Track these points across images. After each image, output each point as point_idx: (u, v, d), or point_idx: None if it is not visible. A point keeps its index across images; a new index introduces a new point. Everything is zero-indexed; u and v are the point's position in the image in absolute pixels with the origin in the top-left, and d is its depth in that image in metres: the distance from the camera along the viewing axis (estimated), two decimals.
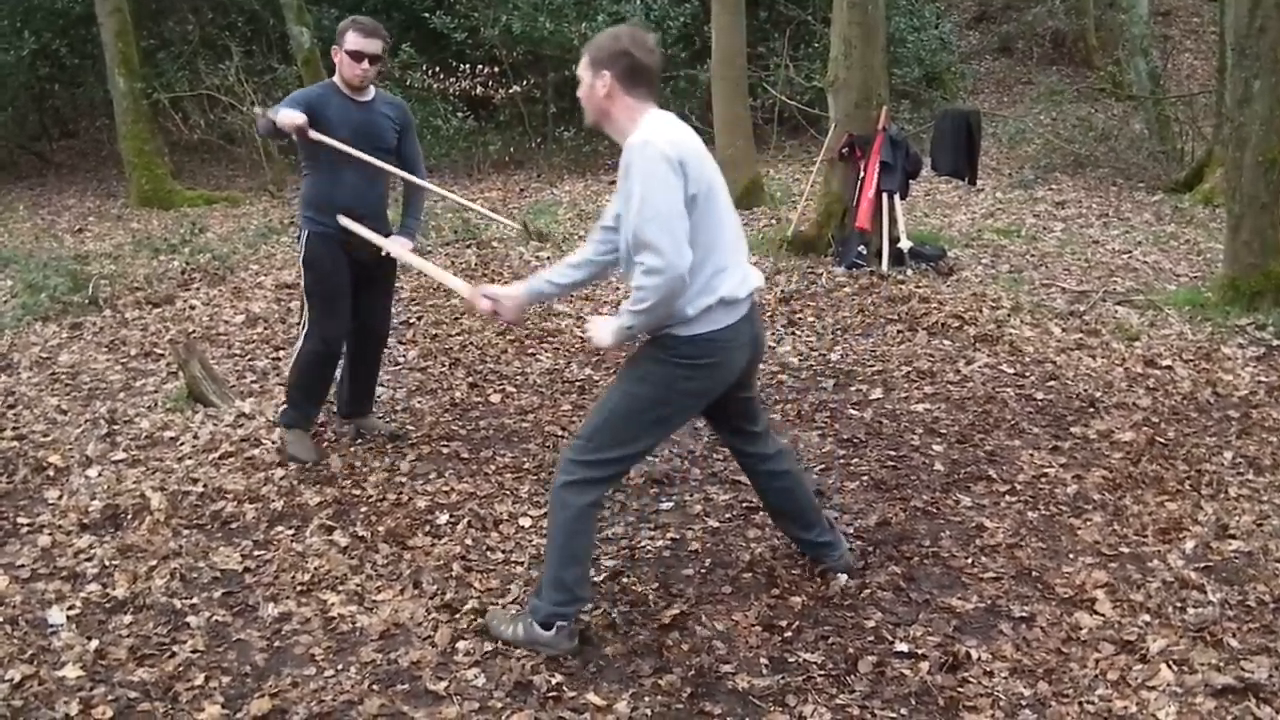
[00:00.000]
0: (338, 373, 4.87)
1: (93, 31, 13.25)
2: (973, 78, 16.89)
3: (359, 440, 4.93)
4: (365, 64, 4.44)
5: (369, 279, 4.68)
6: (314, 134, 4.32)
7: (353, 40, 4.41)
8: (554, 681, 3.15)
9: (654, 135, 3.01)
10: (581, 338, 6.44)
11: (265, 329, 6.74)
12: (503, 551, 3.95)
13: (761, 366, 5.87)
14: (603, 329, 3.18)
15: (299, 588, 3.71)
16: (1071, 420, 5.10)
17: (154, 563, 3.86)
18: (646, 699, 3.07)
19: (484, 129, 13.80)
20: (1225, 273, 6.91)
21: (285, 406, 4.81)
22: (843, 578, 3.68)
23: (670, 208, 2.96)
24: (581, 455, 3.23)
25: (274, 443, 4.84)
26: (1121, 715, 2.96)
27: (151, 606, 3.59)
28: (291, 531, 4.10)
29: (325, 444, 4.87)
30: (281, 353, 6.25)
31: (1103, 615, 3.45)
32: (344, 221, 4.42)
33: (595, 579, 3.73)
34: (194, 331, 6.71)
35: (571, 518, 3.24)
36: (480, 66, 13.04)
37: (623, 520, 4.19)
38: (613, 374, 5.80)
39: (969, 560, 3.83)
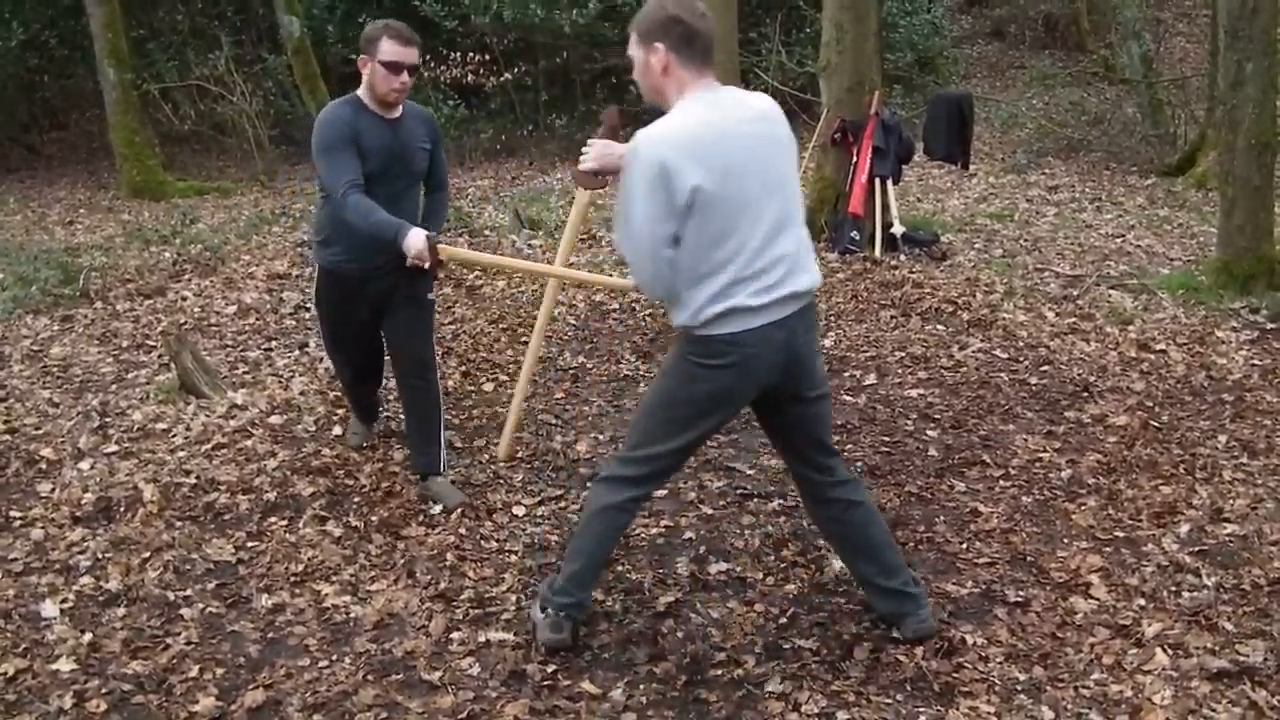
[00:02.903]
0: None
1: (82, 22, 13.14)
2: (965, 62, 16.84)
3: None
4: (404, 76, 3.90)
5: (394, 304, 4.18)
6: (443, 250, 3.75)
7: (389, 49, 3.86)
8: (548, 670, 3.15)
9: (650, 139, 2.78)
10: (574, 324, 6.42)
11: (257, 319, 6.71)
12: (497, 540, 3.95)
13: None
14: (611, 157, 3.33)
15: (292, 578, 3.70)
16: (1065, 404, 5.10)
17: (147, 555, 3.85)
18: (641, 687, 3.07)
19: (475, 117, 13.74)
20: (1218, 256, 6.91)
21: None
22: (837, 563, 3.67)
23: (643, 230, 2.81)
24: (622, 453, 3.22)
25: (267, 433, 4.83)
26: (1117, 699, 2.97)
27: (145, 599, 3.58)
28: (285, 522, 4.09)
29: (323, 441, 4.86)
30: (274, 343, 6.23)
31: (1097, 599, 3.46)
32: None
33: None
34: (185, 323, 6.68)
35: (588, 512, 3.21)
36: (471, 54, 12.97)
37: None
38: (606, 363, 5.79)
39: (963, 545, 3.83)
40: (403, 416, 4.53)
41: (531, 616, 3.33)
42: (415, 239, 3.67)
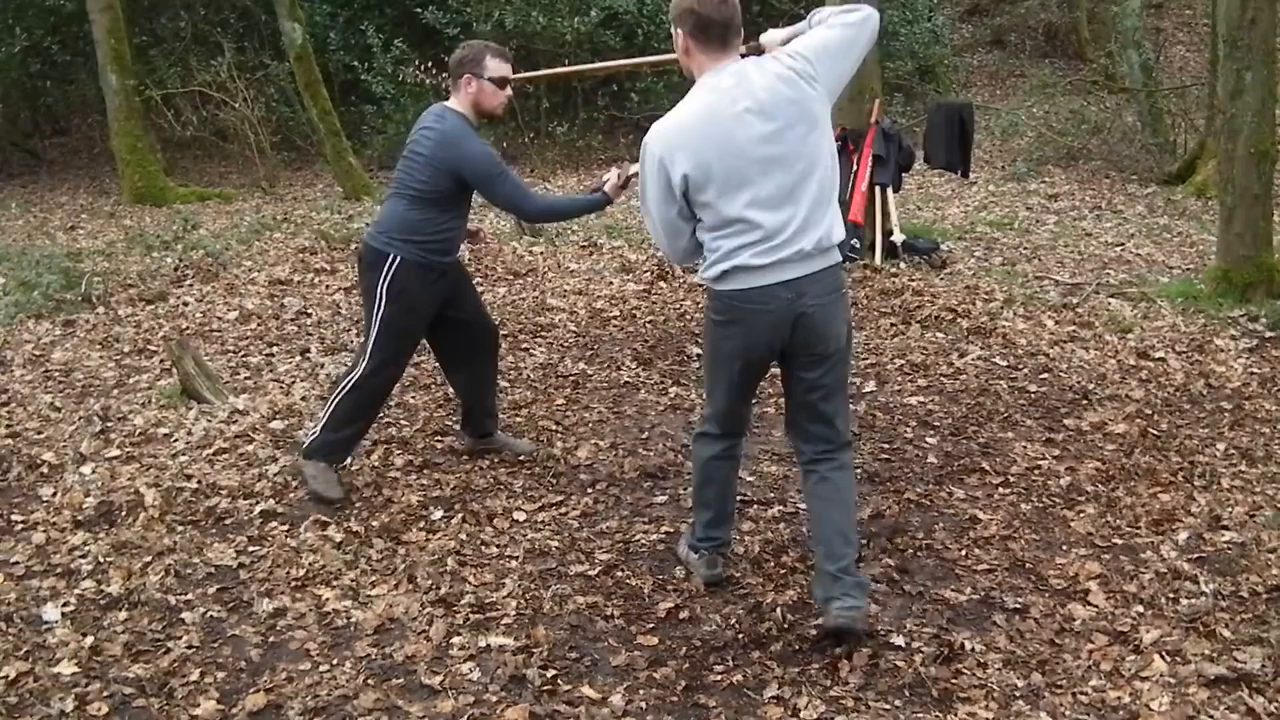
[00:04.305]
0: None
1: (84, 28, 13.19)
2: (965, 71, 16.90)
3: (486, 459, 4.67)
4: (509, 89, 4.24)
5: (461, 287, 4.48)
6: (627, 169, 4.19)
7: (497, 67, 4.14)
8: (548, 675, 3.16)
9: (653, 132, 3.10)
10: (575, 331, 6.43)
11: (259, 325, 6.73)
12: (497, 546, 3.96)
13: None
14: None
15: (293, 583, 3.71)
16: (1065, 412, 5.11)
17: (148, 559, 3.85)
18: (641, 692, 3.08)
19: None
20: (1218, 264, 6.93)
21: (320, 436, 4.30)
22: None
23: (656, 213, 3.17)
24: (704, 408, 3.53)
25: (268, 438, 4.84)
26: (1115, 706, 2.98)
27: (146, 603, 3.58)
28: (286, 527, 4.10)
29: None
30: (275, 349, 6.25)
31: (1096, 606, 3.47)
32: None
33: (589, 573, 3.75)
34: (187, 328, 6.70)
35: (695, 467, 3.60)
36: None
37: (616, 514, 4.20)
38: (607, 370, 5.81)
39: (962, 552, 3.84)
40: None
41: (685, 558, 3.73)
42: (615, 184, 4.21)
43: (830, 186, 3.14)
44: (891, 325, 6.46)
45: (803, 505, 4.20)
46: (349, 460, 4.52)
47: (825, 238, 3.10)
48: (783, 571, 3.72)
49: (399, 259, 4.16)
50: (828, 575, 3.22)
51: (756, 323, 3.15)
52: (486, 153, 4.16)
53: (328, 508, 4.20)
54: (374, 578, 3.74)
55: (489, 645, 3.31)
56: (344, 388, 4.29)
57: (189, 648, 3.34)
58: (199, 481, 4.44)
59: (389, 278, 4.17)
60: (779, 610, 3.45)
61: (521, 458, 4.68)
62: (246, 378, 5.81)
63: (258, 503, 4.27)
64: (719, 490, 3.57)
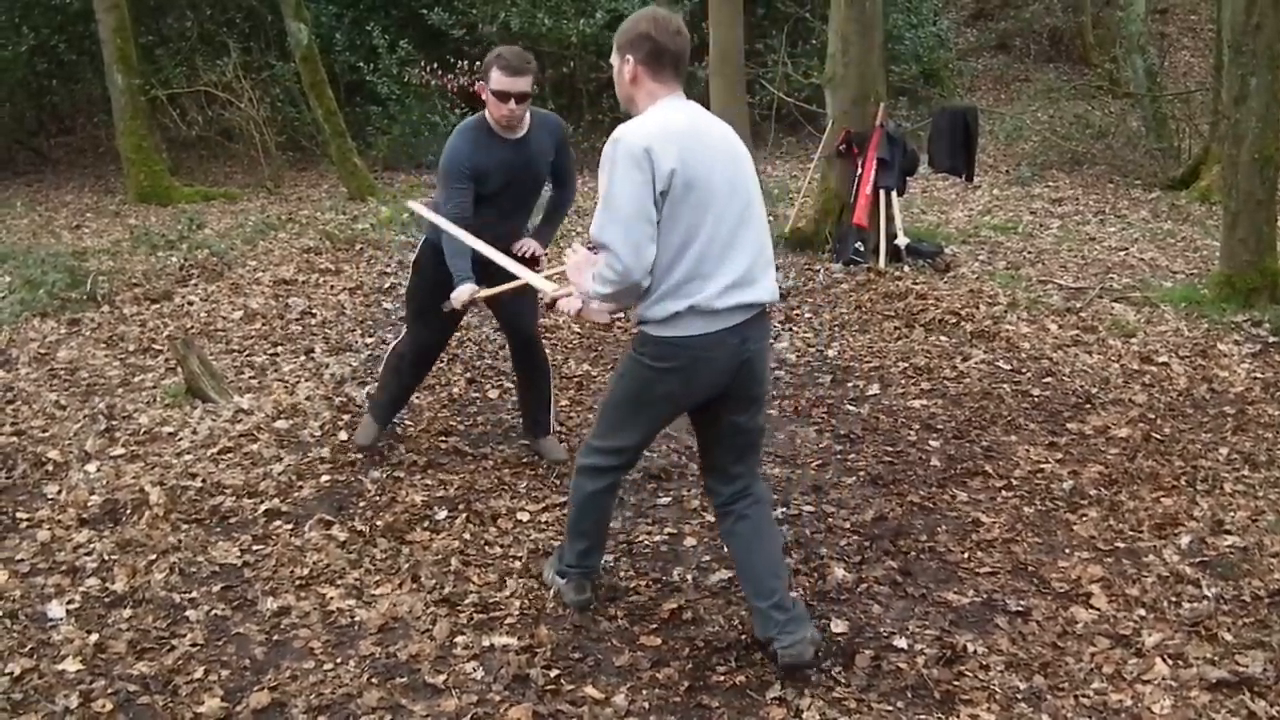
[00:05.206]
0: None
1: (91, 27, 13.21)
2: (970, 75, 16.90)
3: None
4: (512, 104, 4.10)
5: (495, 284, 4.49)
6: (480, 295, 4.18)
7: (498, 80, 4.07)
8: (552, 675, 3.16)
9: (632, 129, 2.94)
10: (579, 333, 6.45)
11: (263, 325, 6.74)
12: (501, 546, 3.96)
13: None
14: (584, 281, 3.09)
15: (297, 582, 3.72)
16: (1068, 416, 5.12)
17: (153, 557, 3.86)
18: (644, 692, 3.09)
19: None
20: (1221, 269, 6.93)
21: (373, 397, 4.93)
22: (839, 571, 3.69)
23: (632, 209, 2.88)
24: (592, 441, 3.35)
25: (273, 437, 4.86)
26: (1117, 709, 2.98)
27: (151, 600, 3.60)
28: (290, 526, 4.11)
29: (339, 440, 4.88)
30: (280, 348, 6.26)
31: (1098, 609, 3.47)
32: (482, 249, 4.09)
33: None
34: (192, 327, 6.72)
35: (579, 499, 3.40)
36: (478, 63, 13.02)
37: (620, 515, 4.20)
38: (610, 371, 5.81)
39: (965, 555, 3.85)
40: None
41: (552, 582, 3.61)
42: (461, 293, 4.15)
43: (767, 243, 3.14)
44: (895, 328, 6.46)
45: (806, 506, 4.22)
46: (390, 425, 4.93)
47: (771, 296, 3.11)
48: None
49: (425, 239, 4.52)
50: (761, 613, 3.15)
51: (701, 370, 3.06)
52: (451, 156, 4.21)
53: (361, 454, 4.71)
54: (378, 577, 3.75)
55: (492, 645, 3.32)
56: (386, 355, 4.85)
57: (193, 645, 3.35)
58: (203, 480, 4.46)
59: (416, 254, 4.61)
60: None
61: (535, 460, 4.72)
62: (251, 377, 5.82)
63: (262, 501, 4.29)
64: (599, 520, 3.46)
